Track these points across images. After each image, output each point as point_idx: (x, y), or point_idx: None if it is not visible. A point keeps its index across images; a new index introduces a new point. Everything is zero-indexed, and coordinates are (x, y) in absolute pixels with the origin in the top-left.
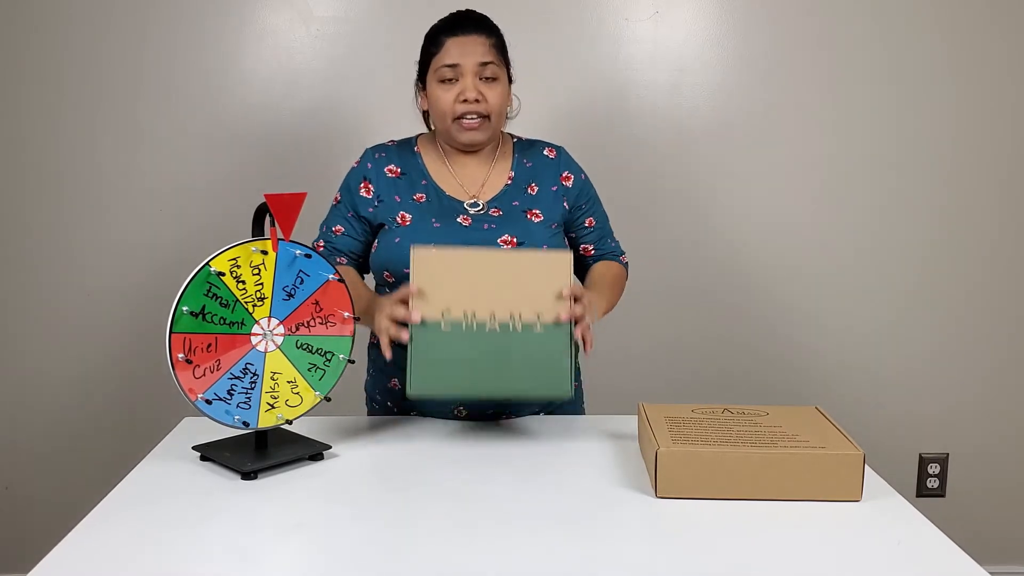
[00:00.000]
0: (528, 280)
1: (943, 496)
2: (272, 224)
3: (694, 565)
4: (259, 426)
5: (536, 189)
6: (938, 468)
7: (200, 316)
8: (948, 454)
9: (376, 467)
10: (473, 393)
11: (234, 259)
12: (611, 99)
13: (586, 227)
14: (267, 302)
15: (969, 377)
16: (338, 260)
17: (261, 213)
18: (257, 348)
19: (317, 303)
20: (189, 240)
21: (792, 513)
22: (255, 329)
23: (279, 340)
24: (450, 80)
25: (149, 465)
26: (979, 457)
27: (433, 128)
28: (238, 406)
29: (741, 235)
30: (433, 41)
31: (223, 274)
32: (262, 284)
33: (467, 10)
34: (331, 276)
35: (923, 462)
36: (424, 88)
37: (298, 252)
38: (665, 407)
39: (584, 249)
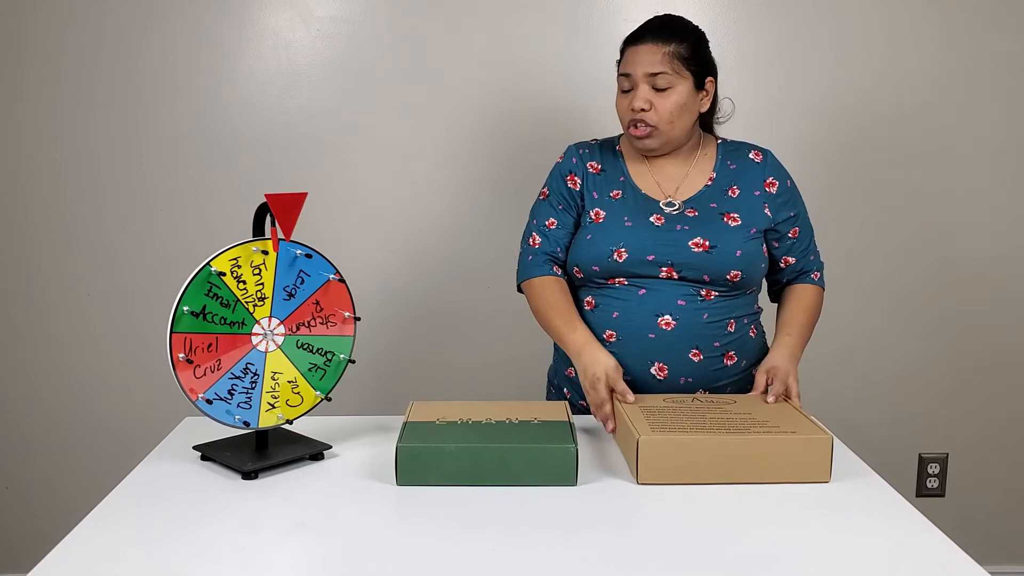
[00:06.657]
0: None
1: (943, 496)
2: (273, 224)
3: (684, 557)
4: (259, 426)
5: (738, 192)
6: (938, 468)
7: (201, 316)
8: (948, 454)
9: (376, 467)
10: None
11: (235, 259)
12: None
13: (790, 238)
14: (268, 302)
15: (969, 377)
16: (554, 268)
17: (261, 213)
18: (258, 348)
19: (318, 303)
20: (189, 240)
21: (790, 513)
22: (256, 329)
23: (280, 340)
24: (627, 90)
25: (149, 465)
26: (979, 457)
27: None
28: (239, 406)
29: None
30: (621, 48)
31: (224, 274)
32: (263, 284)
33: (663, 15)
34: (331, 276)
35: (923, 462)
36: None
37: (299, 252)
38: (639, 397)
39: (785, 260)
